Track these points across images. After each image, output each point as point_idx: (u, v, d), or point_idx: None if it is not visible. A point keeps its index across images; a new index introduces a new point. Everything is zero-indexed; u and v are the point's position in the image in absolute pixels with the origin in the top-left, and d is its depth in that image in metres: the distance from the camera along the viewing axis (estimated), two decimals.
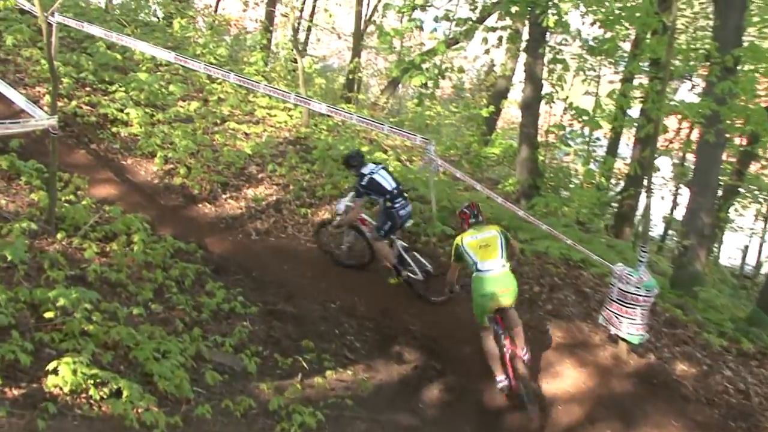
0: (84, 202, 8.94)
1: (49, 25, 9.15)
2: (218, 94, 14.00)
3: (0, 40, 12.29)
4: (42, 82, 11.63)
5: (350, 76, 18.13)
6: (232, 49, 17.43)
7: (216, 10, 20.92)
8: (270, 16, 18.74)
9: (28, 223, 7.53)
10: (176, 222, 9.99)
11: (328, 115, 12.93)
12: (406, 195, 9.60)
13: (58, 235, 7.70)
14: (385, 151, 14.72)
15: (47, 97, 11.09)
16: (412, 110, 18.15)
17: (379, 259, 9.68)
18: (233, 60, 16.32)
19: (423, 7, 15.68)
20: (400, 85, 21.12)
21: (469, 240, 7.87)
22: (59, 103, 10.76)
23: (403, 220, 9.49)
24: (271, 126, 13.63)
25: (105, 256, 7.75)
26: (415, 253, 9.62)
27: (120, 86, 12.41)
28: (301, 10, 19.83)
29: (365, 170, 9.46)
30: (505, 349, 7.62)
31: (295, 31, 17.03)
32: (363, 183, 9.35)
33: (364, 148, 13.68)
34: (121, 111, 11.85)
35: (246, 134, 12.94)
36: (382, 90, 21.07)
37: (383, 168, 9.63)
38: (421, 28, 16.70)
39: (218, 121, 12.97)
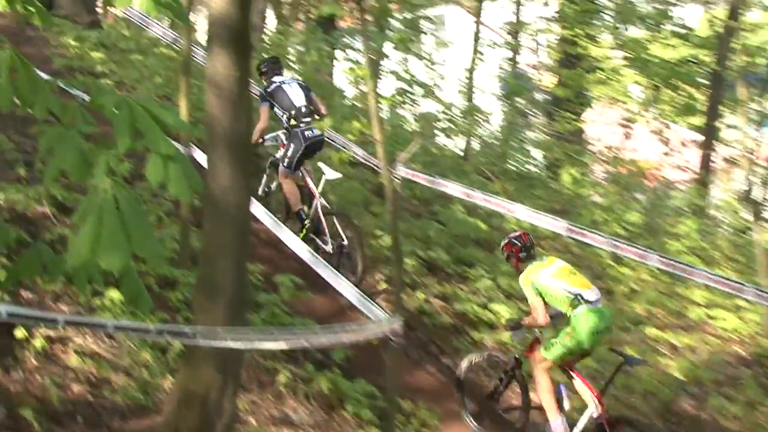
0: None
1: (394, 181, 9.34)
2: (629, 283, 14.04)
3: None
4: (377, 263, 11.88)
5: None
6: (650, 213, 17.73)
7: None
8: (705, 162, 18.24)
9: None
10: None
11: None
12: (317, 118, 11.09)
13: None
14: None
15: (382, 284, 11.47)
16: None
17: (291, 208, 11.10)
18: (651, 230, 16.54)
19: None
20: None
21: (548, 271, 8.78)
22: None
23: (311, 146, 11.00)
24: (714, 335, 13.33)
25: None
26: (335, 219, 10.85)
27: (485, 270, 12.66)
28: (752, 152, 19.03)
29: (276, 78, 11.42)
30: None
31: (748, 185, 16.37)
32: (269, 88, 11.25)
33: None
34: (485, 307, 11.87)
35: (673, 347, 12.69)
36: None
37: (299, 83, 11.54)
38: None
39: (630, 326, 12.84)
